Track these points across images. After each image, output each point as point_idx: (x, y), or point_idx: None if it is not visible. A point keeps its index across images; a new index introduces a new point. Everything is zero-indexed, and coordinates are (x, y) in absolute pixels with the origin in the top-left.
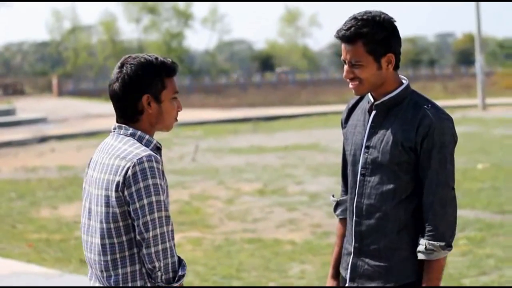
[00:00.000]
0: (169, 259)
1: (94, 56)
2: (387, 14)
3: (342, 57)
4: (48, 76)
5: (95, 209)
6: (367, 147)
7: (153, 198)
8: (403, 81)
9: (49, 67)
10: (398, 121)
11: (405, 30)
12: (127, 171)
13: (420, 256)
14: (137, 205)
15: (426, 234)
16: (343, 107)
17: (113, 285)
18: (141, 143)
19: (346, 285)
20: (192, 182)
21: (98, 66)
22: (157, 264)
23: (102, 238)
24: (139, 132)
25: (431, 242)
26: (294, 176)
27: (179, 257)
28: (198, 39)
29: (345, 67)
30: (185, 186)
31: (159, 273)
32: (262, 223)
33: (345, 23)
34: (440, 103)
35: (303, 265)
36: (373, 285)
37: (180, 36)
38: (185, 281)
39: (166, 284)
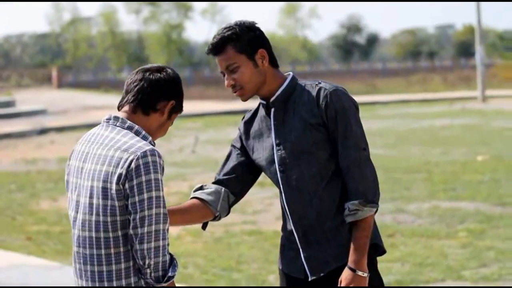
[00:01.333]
0: (161, 258)
1: (94, 47)
2: (247, 20)
3: (220, 70)
4: (48, 68)
5: (86, 201)
6: (278, 144)
7: (153, 194)
8: (287, 76)
9: (48, 59)
10: (298, 107)
11: (405, 22)
12: (130, 164)
13: (348, 219)
14: (137, 198)
15: (349, 197)
16: None
17: (105, 281)
18: (138, 137)
19: (309, 279)
20: (192, 174)
21: (98, 58)
22: (147, 261)
23: (96, 231)
24: (136, 127)
25: (352, 202)
26: None
27: (171, 257)
28: (198, 31)
29: (225, 77)
30: (185, 178)
31: (148, 270)
32: (262, 215)
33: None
34: (440, 95)
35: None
36: (331, 268)
37: (180, 28)
38: (186, 274)
39: (154, 282)
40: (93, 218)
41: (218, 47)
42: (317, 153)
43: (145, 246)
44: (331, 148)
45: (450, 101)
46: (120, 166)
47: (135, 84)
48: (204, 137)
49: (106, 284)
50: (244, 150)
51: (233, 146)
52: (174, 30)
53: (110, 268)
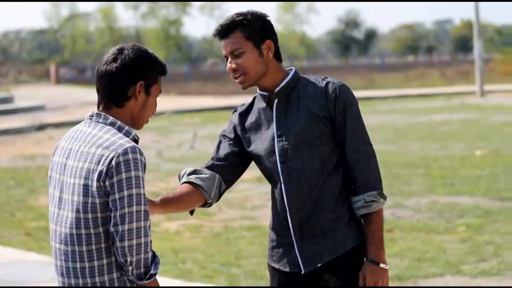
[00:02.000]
0: (142, 255)
1: (92, 43)
2: (260, 11)
3: (224, 54)
4: (46, 63)
5: (68, 198)
6: (279, 136)
7: (134, 191)
8: (290, 70)
9: (46, 55)
10: (303, 99)
11: (403, 17)
12: (110, 161)
13: (362, 212)
14: (117, 196)
15: (359, 190)
16: None
17: (88, 277)
18: (121, 133)
19: (302, 272)
20: None
21: (96, 54)
22: (129, 259)
23: (77, 228)
24: (118, 122)
25: (367, 193)
26: None
27: (154, 254)
28: (196, 26)
29: (228, 61)
30: None
31: (130, 268)
32: (261, 210)
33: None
34: (438, 90)
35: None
36: (326, 260)
37: (177, 23)
38: (185, 269)
39: (136, 280)
40: (74, 215)
41: (227, 29)
42: (320, 145)
43: (126, 243)
44: (334, 142)
45: (448, 96)
46: (101, 163)
47: (99, 82)
48: (202, 132)
49: (88, 280)
50: (237, 141)
51: (223, 136)
52: (172, 26)
53: (92, 264)
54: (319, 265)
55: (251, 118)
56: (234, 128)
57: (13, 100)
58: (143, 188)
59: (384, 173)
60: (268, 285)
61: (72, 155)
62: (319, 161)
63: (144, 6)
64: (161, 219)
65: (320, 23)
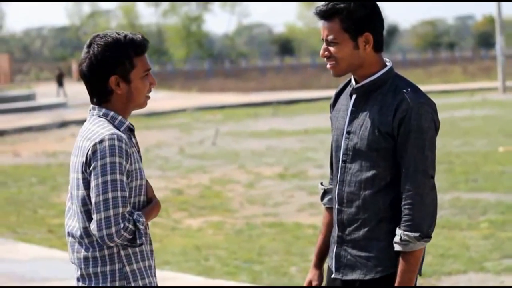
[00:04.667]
0: (118, 241)
1: None
2: None
3: (321, 36)
4: (68, 61)
5: (74, 193)
6: (348, 133)
7: (108, 177)
8: (387, 63)
9: (68, 52)
10: (377, 106)
11: (424, 13)
12: (89, 151)
13: (396, 248)
14: (93, 183)
15: (402, 224)
16: None
17: (91, 267)
18: (113, 124)
19: (332, 275)
20: (212, 166)
21: None
22: (108, 245)
23: (77, 221)
24: (111, 113)
25: (406, 232)
26: (314, 160)
27: (135, 229)
28: (217, 23)
29: (323, 46)
30: (206, 171)
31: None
32: (283, 207)
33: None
34: (460, 86)
35: None
36: (354, 276)
37: (199, 20)
38: (207, 266)
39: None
40: (76, 208)
41: (326, 15)
42: (378, 160)
43: (104, 232)
44: (392, 160)
45: (470, 92)
46: (83, 154)
47: (84, 85)
48: (224, 129)
49: (91, 271)
50: None
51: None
52: (194, 23)
53: (94, 255)
54: (345, 278)
55: (341, 100)
56: (330, 108)
57: (35, 97)
58: (121, 174)
59: None
60: (290, 281)
61: (75, 151)
62: (372, 174)
63: (166, 3)
64: (183, 216)
65: None
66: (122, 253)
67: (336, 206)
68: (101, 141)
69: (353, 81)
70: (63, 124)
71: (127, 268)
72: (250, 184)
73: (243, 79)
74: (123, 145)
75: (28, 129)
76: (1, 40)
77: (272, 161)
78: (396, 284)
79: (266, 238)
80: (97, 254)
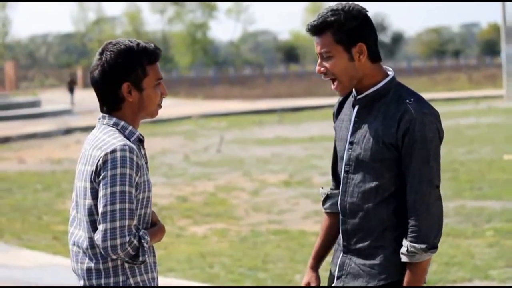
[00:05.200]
0: (121, 255)
1: None
2: (358, 5)
3: (316, 52)
4: (73, 67)
5: (80, 201)
6: (351, 143)
7: (117, 188)
8: (389, 72)
9: (73, 59)
10: (380, 116)
11: (429, 21)
12: (99, 160)
13: (403, 259)
14: (101, 193)
15: (408, 235)
16: None
17: (94, 279)
18: (124, 134)
19: (334, 283)
20: (217, 173)
21: None
22: (113, 257)
23: (83, 230)
24: (122, 123)
25: (412, 244)
26: (319, 167)
27: (139, 246)
28: (223, 30)
29: (318, 62)
30: (210, 178)
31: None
32: (288, 215)
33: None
34: (465, 93)
35: (329, 257)
36: (357, 284)
37: (204, 27)
38: (212, 273)
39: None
40: (82, 217)
41: (318, 29)
42: (381, 171)
43: (109, 243)
44: (396, 170)
45: (475, 100)
46: (93, 163)
47: (95, 92)
48: (229, 136)
49: (94, 283)
50: None
51: (335, 141)
52: (199, 30)
53: (98, 267)
54: (348, 285)
55: (344, 109)
56: (333, 116)
57: (40, 104)
58: (130, 186)
59: None
60: None
61: (82, 159)
62: (375, 185)
63: (171, 10)
64: (188, 223)
65: None
66: (126, 265)
67: (340, 217)
68: (113, 152)
69: (354, 91)
70: (68, 131)
71: (131, 280)
72: (255, 191)
73: (248, 86)
74: (134, 157)
75: (33, 135)
76: (6, 46)
77: (277, 168)
78: None
79: (271, 245)
80: (101, 266)
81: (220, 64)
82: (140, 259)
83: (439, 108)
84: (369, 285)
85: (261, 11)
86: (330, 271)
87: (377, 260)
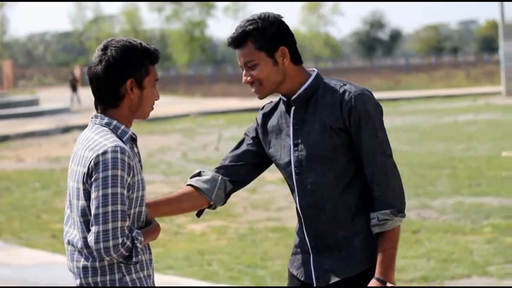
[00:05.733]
0: (115, 256)
1: None
2: (273, 13)
3: (239, 64)
4: (71, 66)
5: (74, 202)
6: (296, 145)
7: (109, 190)
8: (312, 72)
9: (71, 58)
10: (319, 108)
11: (427, 18)
12: (91, 162)
13: (375, 230)
14: (93, 195)
15: (375, 207)
16: None
17: (90, 277)
18: (116, 133)
19: (314, 286)
20: None
21: None
22: (107, 259)
23: (77, 230)
24: (114, 122)
25: (381, 211)
26: None
27: (132, 247)
28: (221, 28)
29: (244, 73)
30: None
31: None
32: (286, 212)
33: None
34: (463, 90)
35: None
36: (338, 277)
37: (202, 25)
38: (210, 271)
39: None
40: (76, 217)
41: (238, 41)
42: (335, 158)
43: (101, 245)
44: (350, 154)
45: (473, 97)
46: (85, 165)
47: (91, 87)
48: (227, 134)
49: (90, 280)
50: (257, 142)
51: (246, 134)
52: (197, 28)
53: (94, 265)
54: (331, 282)
55: (274, 121)
56: (256, 129)
57: (39, 102)
58: (122, 187)
59: (410, 174)
60: None
61: (74, 159)
62: (333, 174)
63: (169, 8)
64: (187, 221)
65: (344, 24)
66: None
67: (304, 221)
68: (104, 153)
69: (283, 98)
70: (66, 130)
71: (127, 278)
72: (253, 189)
73: (246, 84)
74: (126, 158)
75: (31, 134)
76: (4, 45)
77: (275, 166)
78: (378, 262)
79: (269, 242)
80: (97, 264)
81: (218, 62)
82: (134, 259)
83: (437, 104)
84: (352, 274)
85: (258, 9)
86: (293, 275)
87: (353, 248)
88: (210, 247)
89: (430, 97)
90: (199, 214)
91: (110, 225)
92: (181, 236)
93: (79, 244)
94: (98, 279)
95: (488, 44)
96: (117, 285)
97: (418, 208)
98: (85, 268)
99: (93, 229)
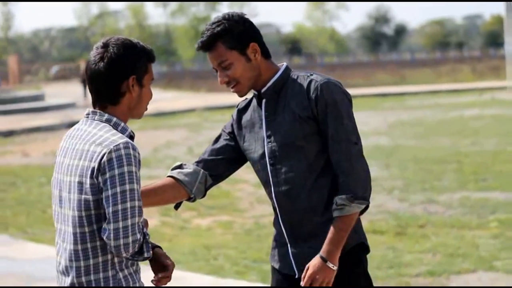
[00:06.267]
0: (131, 251)
1: None
2: (236, 12)
3: (212, 67)
4: (76, 61)
5: (66, 196)
6: (269, 136)
7: (127, 187)
8: (281, 65)
9: (77, 53)
10: (289, 99)
11: (432, 13)
12: (102, 157)
13: (335, 214)
14: (110, 192)
15: (338, 192)
16: (371, 90)
17: (83, 275)
18: (117, 130)
19: (296, 276)
20: None
21: None
22: (124, 255)
23: (73, 226)
24: (114, 119)
25: (340, 196)
26: None
27: (143, 242)
28: None
29: (218, 74)
30: None
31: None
32: None
33: (201, 35)
34: (469, 85)
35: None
36: None
37: (207, 20)
38: (216, 265)
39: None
40: (71, 213)
41: (208, 44)
42: (307, 147)
43: (121, 241)
44: (321, 142)
45: (479, 92)
46: (93, 160)
47: (90, 83)
48: None
49: (83, 279)
50: (233, 137)
51: (223, 130)
52: (202, 23)
53: (87, 263)
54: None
55: (247, 116)
56: (232, 125)
57: (44, 98)
58: (137, 183)
59: (416, 169)
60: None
61: (69, 153)
62: (306, 163)
63: (174, 3)
64: (192, 215)
65: (349, 19)
66: (115, 260)
67: (279, 211)
68: (117, 149)
69: (254, 91)
70: (72, 125)
71: (120, 274)
72: (259, 183)
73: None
74: (136, 154)
75: (37, 129)
76: (9, 41)
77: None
78: (326, 240)
79: None
80: (91, 262)
81: None
82: (146, 255)
83: (443, 99)
84: None
85: (264, 4)
86: (275, 268)
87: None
88: (216, 241)
89: (435, 91)
90: (177, 207)
91: (129, 221)
92: (187, 231)
93: (72, 240)
94: (92, 277)
95: (494, 39)
96: (111, 282)
97: (424, 203)
98: (78, 267)
99: (112, 226)
